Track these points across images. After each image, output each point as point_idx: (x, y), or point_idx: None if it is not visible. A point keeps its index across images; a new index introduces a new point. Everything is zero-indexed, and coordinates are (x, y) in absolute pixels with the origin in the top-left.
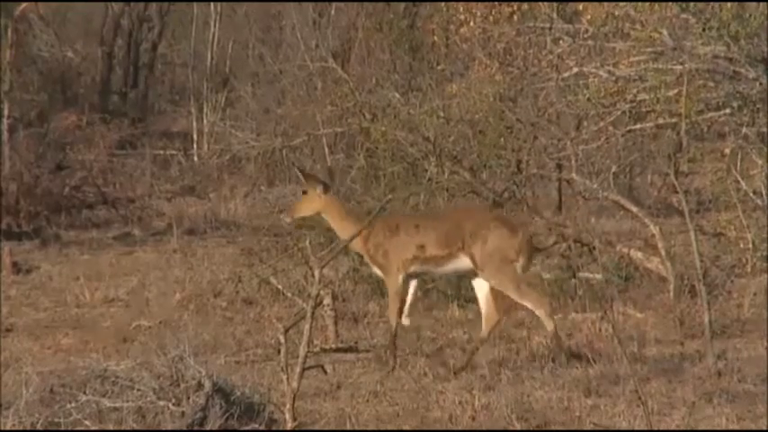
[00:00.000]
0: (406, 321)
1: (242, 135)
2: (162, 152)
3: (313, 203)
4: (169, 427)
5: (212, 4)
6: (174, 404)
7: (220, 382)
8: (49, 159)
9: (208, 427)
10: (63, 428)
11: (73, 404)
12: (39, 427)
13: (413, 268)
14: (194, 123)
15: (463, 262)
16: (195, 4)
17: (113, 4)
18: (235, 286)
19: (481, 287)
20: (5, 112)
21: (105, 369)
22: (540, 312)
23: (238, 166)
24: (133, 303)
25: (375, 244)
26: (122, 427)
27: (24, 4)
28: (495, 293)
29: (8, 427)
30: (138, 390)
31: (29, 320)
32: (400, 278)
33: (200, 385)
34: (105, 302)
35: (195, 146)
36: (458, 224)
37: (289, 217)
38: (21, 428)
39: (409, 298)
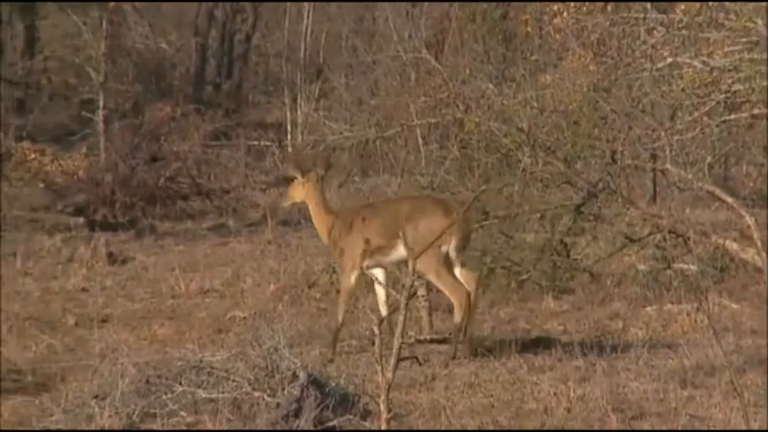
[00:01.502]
0: (384, 312)
1: (335, 126)
2: (256, 143)
3: (297, 191)
4: (264, 418)
5: None
6: (269, 395)
7: (315, 374)
8: (143, 151)
9: (302, 418)
10: (159, 419)
11: (168, 395)
12: (135, 417)
13: (366, 263)
14: (288, 114)
15: (403, 250)
16: None
17: None
18: (329, 277)
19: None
20: (101, 104)
21: (201, 360)
22: (454, 300)
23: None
24: (228, 294)
25: (333, 240)
26: (217, 418)
27: None
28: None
29: (105, 418)
30: (234, 381)
31: (124, 311)
32: (353, 277)
33: (295, 376)
34: (200, 293)
35: (289, 136)
36: (396, 212)
37: (284, 203)
38: (117, 419)
39: (382, 289)
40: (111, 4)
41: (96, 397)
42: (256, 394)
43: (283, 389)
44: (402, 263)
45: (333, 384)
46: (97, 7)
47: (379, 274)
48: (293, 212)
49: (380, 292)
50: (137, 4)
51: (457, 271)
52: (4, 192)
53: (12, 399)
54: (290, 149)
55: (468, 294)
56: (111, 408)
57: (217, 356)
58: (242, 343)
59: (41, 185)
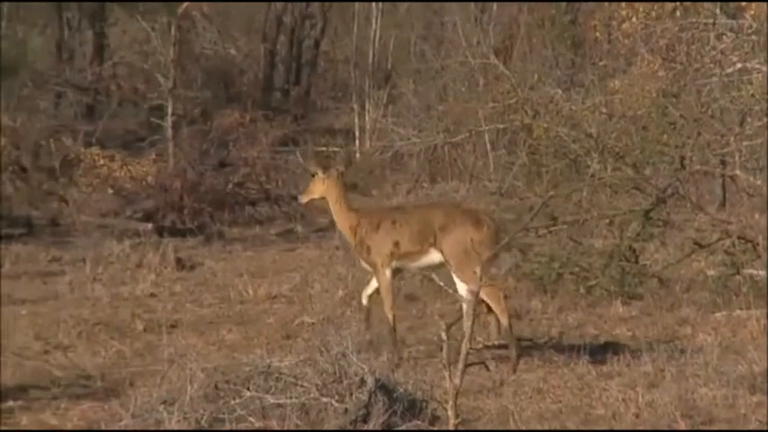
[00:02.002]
0: (364, 301)
1: (404, 131)
2: (324, 149)
3: (317, 187)
4: (332, 424)
5: (374, 1)
6: (337, 401)
7: (383, 379)
8: (212, 156)
9: (371, 424)
10: (227, 424)
11: (237, 400)
12: (203, 422)
13: (394, 264)
14: (356, 120)
15: (435, 257)
16: (357, 1)
17: (276, 1)
18: (397, 282)
19: None
20: (170, 110)
21: (269, 365)
22: (496, 308)
23: (401, 163)
24: (296, 300)
25: (360, 239)
26: (286, 424)
27: (187, 2)
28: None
29: (173, 423)
30: (302, 386)
31: (193, 316)
32: (387, 272)
33: (363, 382)
34: (268, 299)
35: (357, 143)
36: (429, 220)
37: (303, 198)
38: (186, 424)
39: (373, 285)
40: (180, 10)
41: (165, 402)
42: (324, 400)
43: (351, 394)
44: (429, 269)
45: (401, 390)
46: (166, 13)
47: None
48: None
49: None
50: (206, 10)
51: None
52: (74, 198)
53: (81, 404)
54: (357, 156)
55: (505, 294)
56: (180, 413)
57: (285, 362)
58: (310, 348)
59: (110, 191)
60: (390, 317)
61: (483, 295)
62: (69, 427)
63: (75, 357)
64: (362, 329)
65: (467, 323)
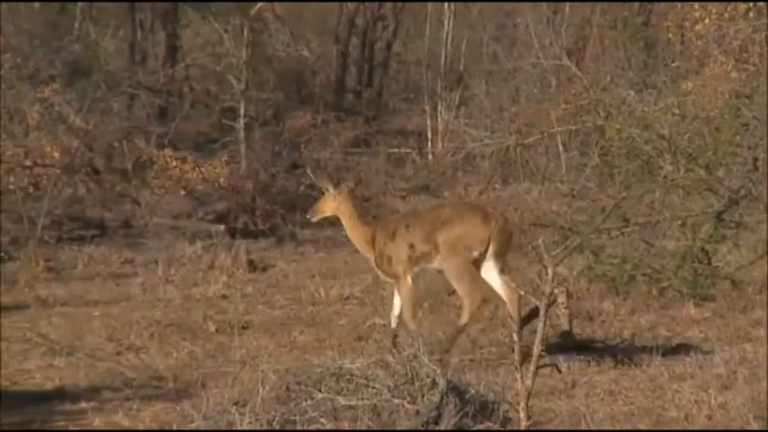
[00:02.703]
0: (393, 323)
1: (476, 133)
2: (396, 150)
3: (328, 204)
4: (404, 426)
5: (446, 2)
6: (408, 402)
7: (455, 381)
8: (284, 158)
9: (442, 426)
10: (299, 426)
11: (308, 402)
12: (275, 424)
13: (415, 268)
14: (428, 121)
15: None
16: (429, 2)
17: (348, 2)
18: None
19: (489, 274)
20: (242, 112)
21: (341, 367)
22: (465, 302)
23: (473, 164)
24: (368, 301)
25: (379, 251)
26: (357, 425)
27: (260, 4)
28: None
29: (245, 425)
30: (373, 388)
31: (265, 318)
32: (409, 279)
33: (434, 383)
34: (340, 300)
35: (429, 144)
36: (438, 218)
37: (313, 216)
38: (257, 425)
39: (398, 302)
40: (253, 11)
41: (237, 404)
42: (396, 401)
43: (423, 396)
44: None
45: (472, 392)
46: (239, 15)
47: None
48: None
49: (396, 305)
50: (278, 11)
51: (496, 275)
52: (146, 199)
53: (153, 405)
54: (430, 158)
55: (480, 304)
56: (252, 414)
57: (356, 363)
58: (382, 350)
59: (183, 193)
60: (412, 326)
61: (460, 291)
62: (141, 428)
63: (148, 359)
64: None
65: (539, 324)
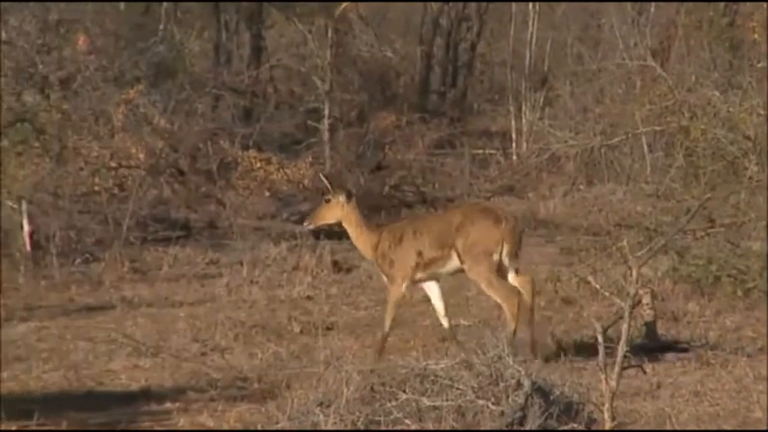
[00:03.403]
0: (444, 323)
1: (560, 134)
2: (481, 151)
3: (335, 212)
4: (488, 426)
5: (531, 2)
6: (493, 403)
7: (539, 382)
8: (368, 159)
9: (527, 427)
10: (383, 426)
11: (393, 403)
12: (359, 424)
13: (419, 275)
14: (513, 122)
15: (457, 260)
16: (514, 3)
17: (432, 3)
18: (554, 285)
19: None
20: (326, 113)
21: (425, 368)
22: (505, 308)
23: (557, 165)
24: (452, 302)
25: (381, 254)
26: (442, 426)
27: (345, 4)
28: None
29: (329, 425)
30: (458, 389)
31: (349, 319)
32: (404, 287)
33: (519, 384)
34: (425, 301)
35: (514, 145)
36: (448, 223)
37: (311, 224)
38: (342, 426)
39: (439, 300)
40: (337, 12)
41: (321, 404)
42: (480, 402)
43: (508, 397)
44: (457, 272)
45: (557, 392)
46: (323, 15)
47: (433, 287)
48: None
49: (438, 305)
50: (363, 12)
51: (511, 277)
52: (231, 200)
53: (238, 406)
54: (514, 159)
55: (520, 303)
56: (336, 415)
57: (441, 364)
58: (466, 351)
59: (267, 194)
60: (387, 326)
61: (497, 297)
62: (226, 428)
63: (232, 359)
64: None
65: (623, 325)
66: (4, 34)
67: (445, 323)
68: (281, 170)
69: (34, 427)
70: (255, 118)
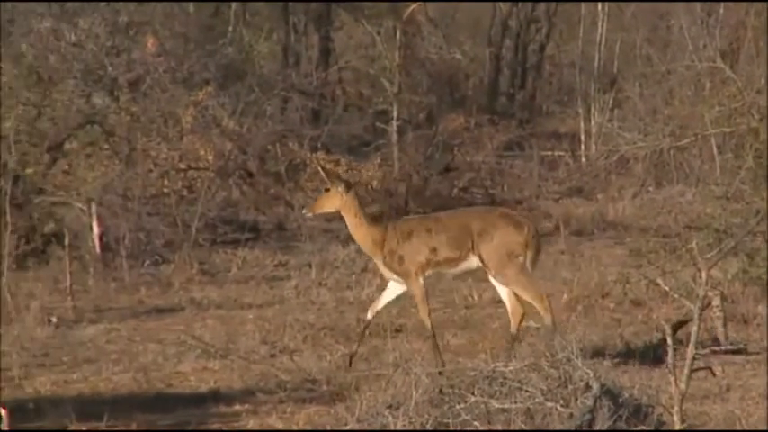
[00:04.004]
0: (369, 315)
1: (629, 135)
2: (549, 153)
3: (333, 201)
4: (557, 428)
5: (600, 4)
6: (562, 405)
7: (608, 384)
8: (437, 161)
9: (596, 429)
10: (452, 429)
11: (462, 405)
12: (428, 426)
13: (428, 272)
14: (582, 124)
15: (474, 262)
16: (583, 4)
17: (501, 4)
18: (623, 287)
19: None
20: (395, 114)
21: (494, 370)
22: (539, 307)
23: (626, 167)
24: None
25: (389, 251)
26: (511, 428)
27: (413, 6)
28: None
29: (398, 427)
30: (527, 391)
31: (418, 321)
32: (421, 279)
33: (588, 387)
34: (493, 303)
35: (583, 147)
36: (467, 226)
37: (310, 212)
38: (410, 428)
39: (387, 300)
40: (406, 14)
41: (390, 406)
42: (549, 404)
43: (576, 399)
44: (465, 274)
45: (626, 395)
46: (392, 17)
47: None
48: (586, 222)
49: (382, 302)
50: (431, 14)
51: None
52: (300, 202)
53: (307, 408)
54: (583, 161)
55: (548, 297)
56: (405, 417)
57: (510, 366)
58: (535, 353)
59: None
60: (428, 324)
61: (528, 297)
62: (294, 430)
63: (301, 361)
64: (356, 345)
65: (693, 328)
66: (73, 36)
67: (370, 315)
68: (349, 172)
69: (104, 429)
70: (324, 120)
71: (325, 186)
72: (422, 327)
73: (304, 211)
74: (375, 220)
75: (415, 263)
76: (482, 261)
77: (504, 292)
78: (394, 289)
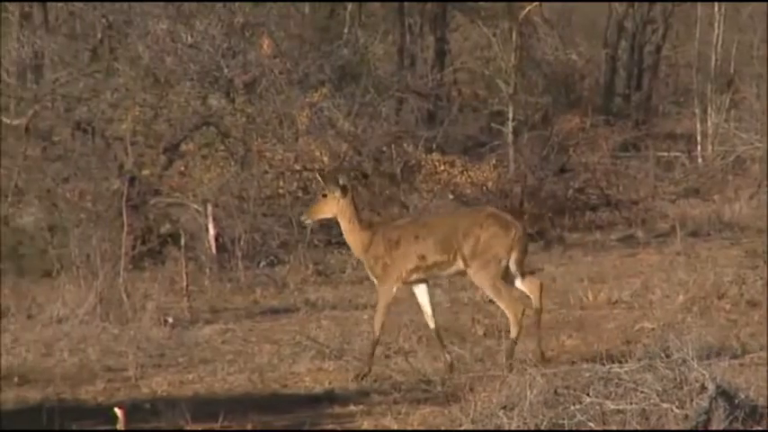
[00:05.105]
0: (431, 324)
1: (746, 136)
2: (665, 154)
3: (331, 206)
4: (672, 430)
5: (716, 4)
6: (677, 407)
7: (724, 385)
8: (552, 162)
9: (711, 430)
10: (566, 430)
11: (577, 406)
12: (543, 427)
13: (414, 276)
14: (698, 125)
15: (461, 264)
16: (699, 4)
17: (617, 5)
18: (739, 288)
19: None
20: (510, 115)
21: (609, 371)
22: (509, 315)
23: (743, 168)
24: (636, 305)
25: (374, 256)
26: (626, 429)
27: (529, 7)
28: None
29: (513, 428)
30: (642, 392)
31: (531, 323)
32: (395, 289)
33: (703, 388)
34: (608, 304)
35: (699, 147)
36: (454, 228)
37: (308, 218)
38: (525, 429)
39: (428, 303)
40: (522, 15)
41: (504, 408)
42: (664, 406)
43: (692, 400)
44: (458, 274)
45: (742, 396)
46: (507, 19)
47: (421, 290)
48: (702, 223)
49: (426, 306)
50: (547, 15)
51: (518, 282)
52: (415, 203)
53: (421, 408)
54: (699, 161)
55: (524, 310)
56: (520, 418)
57: (625, 368)
58: (650, 354)
59: (451, 197)
60: (377, 333)
61: (501, 303)
62: (409, 430)
63: (416, 362)
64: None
65: None
66: (190, 38)
67: (431, 324)
68: (464, 173)
69: (219, 429)
70: (439, 121)
71: (322, 192)
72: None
73: (302, 218)
74: (368, 225)
75: (404, 270)
76: (463, 259)
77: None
78: (422, 291)
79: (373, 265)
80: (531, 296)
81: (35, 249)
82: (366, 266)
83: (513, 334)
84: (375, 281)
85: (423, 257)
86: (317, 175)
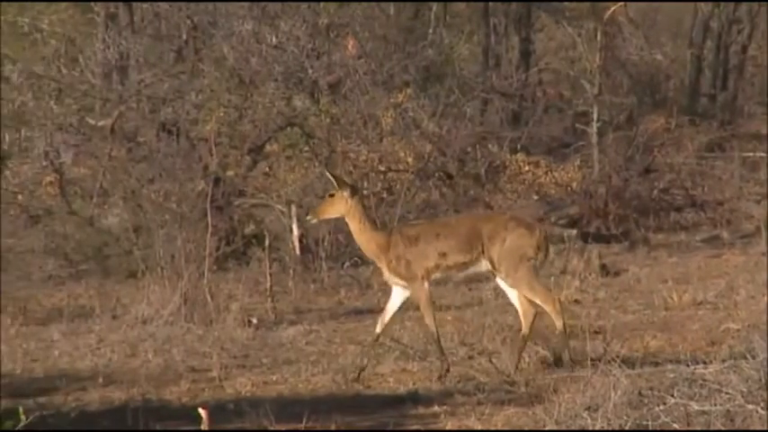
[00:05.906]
0: (378, 329)
1: None
2: (751, 154)
3: (339, 206)
4: (757, 431)
5: None
6: (762, 408)
7: None
8: (637, 162)
9: None
10: (651, 430)
11: (661, 407)
12: (627, 428)
13: (432, 277)
14: None
15: (483, 266)
16: None
17: (703, 5)
18: None
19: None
20: (595, 116)
21: (693, 372)
22: (548, 309)
23: None
24: (721, 306)
25: (396, 255)
26: (710, 430)
27: (614, 8)
28: None
29: (597, 429)
30: (726, 393)
31: (616, 322)
32: (426, 284)
33: None
34: (693, 305)
35: None
36: (476, 230)
37: (314, 217)
38: (609, 430)
39: (393, 310)
40: (607, 15)
41: (589, 408)
42: (749, 407)
43: None
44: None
45: None
46: (592, 19)
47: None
48: None
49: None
50: (632, 15)
51: (513, 298)
52: (499, 204)
53: (505, 409)
54: None
55: (559, 298)
56: (604, 419)
57: (709, 369)
58: (735, 355)
59: (535, 198)
60: (433, 329)
61: (538, 300)
62: (493, 431)
63: (500, 363)
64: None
65: None
66: (274, 39)
67: (379, 329)
68: (549, 173)
69: (303, 430)
70: (524, 121)
71: (330, 192)
72: (623, 328)
73: (308, 217)
74: (379, 225)
75: (423, 267)
76: (492, 264)
77: (513, 295)
78: (399, 297)
79: (396, 265)
80: (523, 320)
81: (120, 250)
82: (386, 270)
83: (559, 326)
84: (400, 283)
85: (444, 255)
86: (328, 175)
